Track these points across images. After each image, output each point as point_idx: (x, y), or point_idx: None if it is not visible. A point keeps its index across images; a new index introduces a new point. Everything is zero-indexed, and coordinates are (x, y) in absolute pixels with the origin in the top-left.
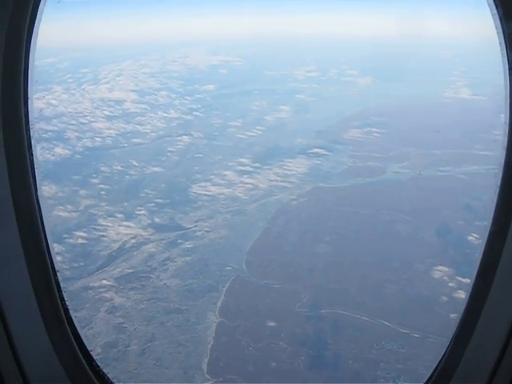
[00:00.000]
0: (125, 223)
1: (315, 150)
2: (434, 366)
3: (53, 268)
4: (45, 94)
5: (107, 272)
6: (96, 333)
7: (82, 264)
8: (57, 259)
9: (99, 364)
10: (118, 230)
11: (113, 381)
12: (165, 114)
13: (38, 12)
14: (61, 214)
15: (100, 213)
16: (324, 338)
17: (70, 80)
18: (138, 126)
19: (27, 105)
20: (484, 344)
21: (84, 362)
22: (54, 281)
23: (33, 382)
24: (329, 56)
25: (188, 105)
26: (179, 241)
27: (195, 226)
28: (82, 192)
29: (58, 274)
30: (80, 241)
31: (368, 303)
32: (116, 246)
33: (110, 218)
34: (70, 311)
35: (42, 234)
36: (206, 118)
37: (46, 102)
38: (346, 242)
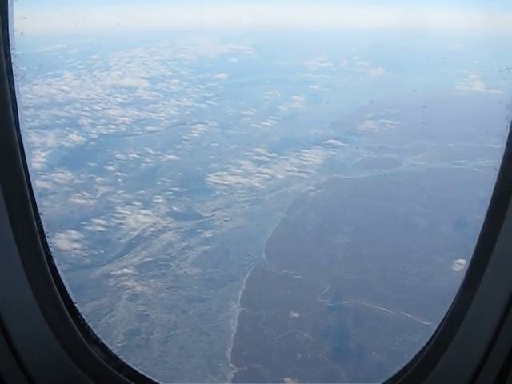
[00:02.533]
0: (143, 211)
1: (330, 141)
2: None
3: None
4: (56, 79)
5: (127, 260)
6: (118, 320)
7: (101, 252)
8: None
9: (84, 318)
10: (137, 218)
11: (98, 336)
12: (178, 102)
13: None
14: (78, 201)
15: (118, 200)
16: (347, 329)
17: (80, 66)
18: (151, 114)
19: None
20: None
21: (68, 314)
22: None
23: (15, 336)
24: (340, 46)
25: (201, 93)
26: (198, 230)
27: (213, 215)
28: (99, 179)
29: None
30: (99, 228)
31: (389, 295)
32: (135, 233)
33: (128, 206)
34: (54, 259)
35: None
36: (220, 106)
37: (57, 87)
38: (364, 234)
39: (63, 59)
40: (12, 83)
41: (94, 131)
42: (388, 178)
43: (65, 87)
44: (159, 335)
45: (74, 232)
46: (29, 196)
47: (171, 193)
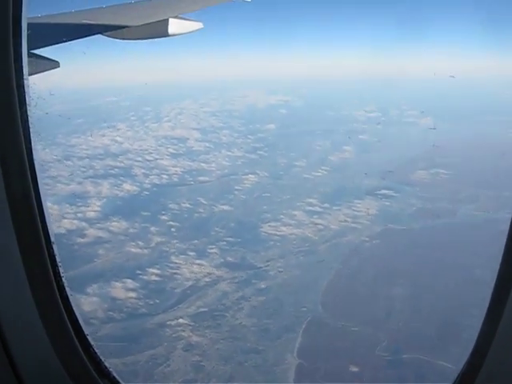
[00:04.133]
0: (197, 261)
1: (383, 191)
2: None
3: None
4: (110, 131)
5: (182, 309)
6: (174, 370)
7: (157, 301)
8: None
9: (96, 350)
10: (191, 268)
11: (110, 370)
12: (229, 153)
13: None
14: (132, 249)
15: (172, 250)
16: None
17: (133, 118)
18: (202, 164)
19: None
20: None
21: (79, 347)
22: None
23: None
24: (388, 96)
25: (251, 144)
26: (252, 280)
27: (267, 266)
28: (153, 229)
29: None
30: (153, 278)
31: (450, 349)
32: (189, 283)
33: (182, 256)
34: (67, 289)
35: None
36: (270, 157)
37: (111, 138)
38: (422, 286)
39: (117, 111)
40: (25, 112)
41: (147, 181)
42: (443, 228)
43: (118, 138)
44: None
45: (129, 281)
46: (40, 225)
47: (225, 243)
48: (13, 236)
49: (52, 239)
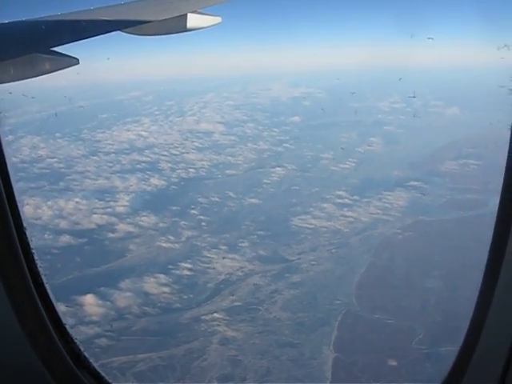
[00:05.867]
0: (229, 255)
1: (412, 183)
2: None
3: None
4: (134, 125)
5: (215, 303)
6: (211, 364)
7: (190, 296)
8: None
9: (75, 341)
10: (223, 262)
11: (90, 361)
12: (254, 146)
13: None
14: (163, 244)
15: (203, 244)
16: None
17: (156, 112)
18: (229, 158)
19: None
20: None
21: (56, 338)
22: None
23: None
24: (411, 87)
25: (276, 136)
26: (285, 274)
27: (299, 259)
28: (183, 223)
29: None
30: (186, 272)
31: None
32: (222, 277)
33: (214, 250)
34: (44, 280)
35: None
36: (297, 149)
37: (136, 133)
38: (456, 278)
39: (140, 106)
40: None
41: (174, 175)
42: (475, 219)
43: (143, 133)
44: (253, 381)
45: (162, 276)
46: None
47: (256, 236)
48: None
49: (24, 225)
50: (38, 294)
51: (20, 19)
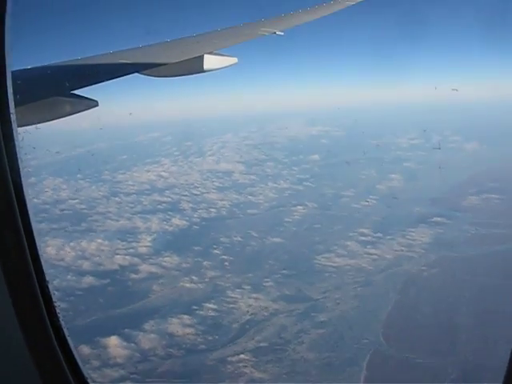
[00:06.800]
0: (253, 295)
1: (435, 219)
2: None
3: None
4: (154, 166)
5: (241, 344)
6: None
7: (215, 336)
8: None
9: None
10: (248, 302)
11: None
12: (275, 185)
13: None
14: (187, 285)
15: (227, 284)
16: None
17: (176, 153)
18: (250, 197)
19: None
20: None
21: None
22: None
23: None
24: (428, 123)
25: (296, 175)
26: (311, 313)
27: (324, 298)
28: (206, 263)
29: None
30: (210, 313)
31: None
32: (247, 317)
33: (238, 290)
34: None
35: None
36: (317, 187)
37: (156, 174)
38: (486, 315)
39: (159, 147)
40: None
41: (195, 215)
42: (501, 254)
43: (163, 173)
44: None
45: (186, 316)
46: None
47: (279, 275)
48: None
49: (35, 237)
50: (45, 307)
51: (43, 64)
